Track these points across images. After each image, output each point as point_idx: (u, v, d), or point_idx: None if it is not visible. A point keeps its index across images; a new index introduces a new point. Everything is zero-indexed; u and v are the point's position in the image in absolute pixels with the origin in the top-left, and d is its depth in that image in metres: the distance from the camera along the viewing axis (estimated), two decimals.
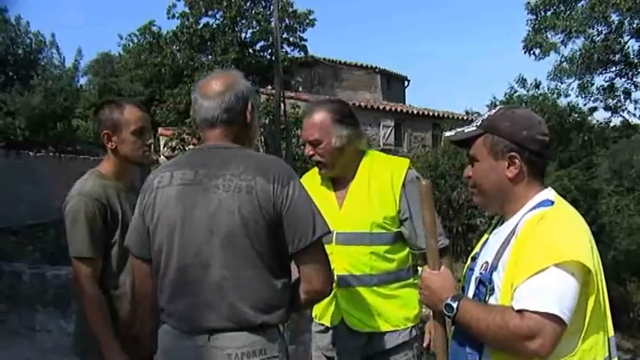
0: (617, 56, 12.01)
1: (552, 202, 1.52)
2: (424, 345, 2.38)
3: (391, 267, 2.30)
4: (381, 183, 2.29)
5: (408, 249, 2.34)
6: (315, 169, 2.46)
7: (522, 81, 14.25)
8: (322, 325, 2.36)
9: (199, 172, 1.66)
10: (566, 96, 13.69)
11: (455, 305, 1.51)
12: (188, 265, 1.63)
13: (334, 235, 2.22)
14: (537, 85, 14.04)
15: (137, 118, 2.25)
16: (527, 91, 14.26)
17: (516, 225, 1.51)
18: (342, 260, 2.26)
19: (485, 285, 1.52)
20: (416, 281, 2.34)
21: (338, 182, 2.38)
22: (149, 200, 1.71)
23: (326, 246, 2.24)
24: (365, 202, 2.28)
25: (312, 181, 2.41)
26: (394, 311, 2.30)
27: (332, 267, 2.19)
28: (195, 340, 1.61)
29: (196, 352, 1.61)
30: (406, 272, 2.34)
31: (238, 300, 1.59)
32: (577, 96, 13.36)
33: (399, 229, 2.29)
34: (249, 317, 1.60)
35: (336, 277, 2.21)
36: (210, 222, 1.60)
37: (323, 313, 2.35)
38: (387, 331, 2.28)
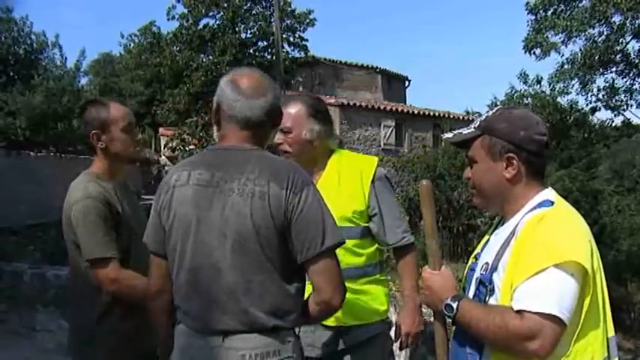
0: (619, 56, 12.01)
1: (552, 203, 1.52)
2: (394, 339, 2.40)
3: (359, 262, 2.31)
4: (351, 178, 2.33)
5: (376, 245, 2.36)
6: None
7: (524, 76, 14.22)
8: None
9: (216, 174, 1.65)
10: (567, 94, 13.68)
11: (455, 305, 1.51)
12: (200, 267, 1.63)
13: None
14: (539, 81, 14.01)
15: (124, 114, 2.24)
16: (529, 87, 14.23)
17: (516, 226, 1.51)
18: None
19: (486, 285, 1.52)
20: (383, 277, 2.39)
21: None
22: (166, 198, 1.71)
23: None
24: (334, 197, 2.28)
25: None
26: (362, 306, 2.31)
27: None
28: (210, 340, 1.62)
29: (211, 352, 1.62)
30: (373, 268, 2.36)
31: (250, 305, 1.59)
32: (578, 94, 13.36)
33: (367, 224, 2.32)
34: (262, 321, 1.60)
35: None
36: (224, 225, 1.60)
37: None
38: (355, 325, 2.30)
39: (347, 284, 2.26)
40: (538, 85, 13.95)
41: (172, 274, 1.71)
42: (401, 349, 2.50)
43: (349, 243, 2.27)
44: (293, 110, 2.33)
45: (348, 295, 2.27)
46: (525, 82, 14.17)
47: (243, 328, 1.60)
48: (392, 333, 2.45)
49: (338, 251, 2.25)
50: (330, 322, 2.25)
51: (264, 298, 1.60)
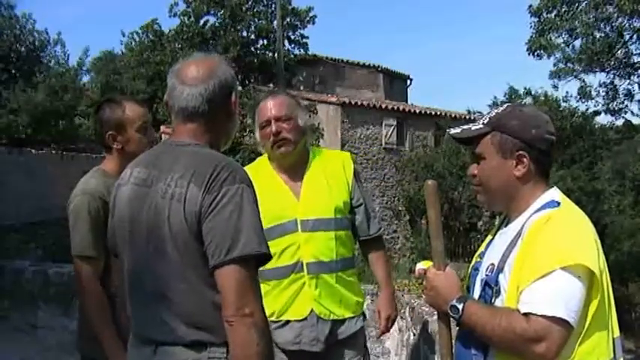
0: (619, 52, 12.00)
1: (558, 203, 1.50)
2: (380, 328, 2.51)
3: (348, 253, 2.38)
4: (335, 171, 2.41)
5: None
6: (258, 162, 2.48)
7: (513, 91, 14.33)
8: (280, 320, 2.29)
9: (152, 172, 1.53)
10: (565, 101, 13.74)
11: (460, 307, 1.50)
12: (133, 272, 1.55)
13: (298, 224, 2.29)
14: (529, 92, 14.12)
15: (139, 115, 2.25)
16: (521, 98, 14.34)
17: (522, 226, 1.50)
18: (310, 247, 2.29)
19: (492, 287, 1.50)
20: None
21: (288, 174, 2.40)
22: (112, 198, 1.64)
23: (291, 235, 2.28)
24: (325, 189, 2.36)
25: (256, 173, 2.34)
26: (352, 297, 2.36)
27: (297, 259, 2.26)
28: (144, 350, 1.52)
29: None
30: (356, 260, 2.46)
31: (170, 315, 1.47)
32: (577, 101, 13.38)
33: (350, 215, 2.41)
34: (182, 334, 1.46)
35: (305, 266, 2.27)
36: (148, 229, 1.49)
37: (284, 308, 2.29)
38: (347, 318, 2.34)
39: (342, 275, 2.34)
40: (528, 97, 14.05)
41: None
42: (382, 332, 2.59)
43: (342, 233, 2.36)
44: (285, 99, 2.37)
45: (342, 286, 2.34)
46: (516, 96, 14.26)
47: (166, 339, 1.48)
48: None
49: (334, 242, 2.30)
50: (329, 316, 2.30)
51: (184, 308, 1.46)
